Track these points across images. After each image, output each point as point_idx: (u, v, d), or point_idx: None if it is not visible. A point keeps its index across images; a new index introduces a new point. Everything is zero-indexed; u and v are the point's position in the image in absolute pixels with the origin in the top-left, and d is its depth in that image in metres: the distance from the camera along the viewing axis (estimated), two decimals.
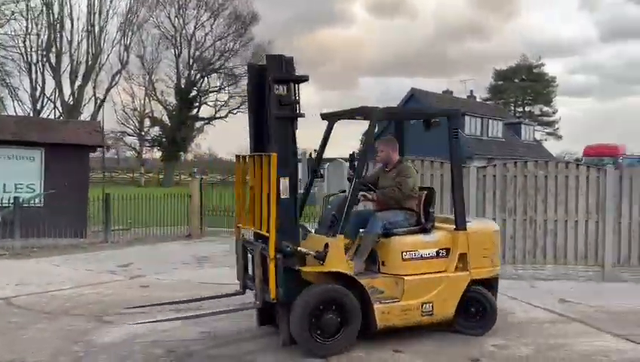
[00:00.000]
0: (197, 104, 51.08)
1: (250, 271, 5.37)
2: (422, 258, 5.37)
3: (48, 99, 34.84)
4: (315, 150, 5.30)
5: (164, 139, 49.72)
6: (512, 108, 57.27)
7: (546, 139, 54.91)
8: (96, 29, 36.86)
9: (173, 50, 49.72)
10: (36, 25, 33.09)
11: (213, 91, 51.57)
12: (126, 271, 9.02)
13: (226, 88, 51.54)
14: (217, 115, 51.74)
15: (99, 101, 37.50)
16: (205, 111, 52.25)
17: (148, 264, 9.65)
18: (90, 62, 36.33)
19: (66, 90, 35.40)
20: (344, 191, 5.73)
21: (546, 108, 58.71)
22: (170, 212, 13.68)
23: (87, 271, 9.04)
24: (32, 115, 32.25)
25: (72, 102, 35.58)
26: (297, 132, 5.05)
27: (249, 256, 5.37)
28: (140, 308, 5.95)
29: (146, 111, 50.49)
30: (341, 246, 5.06)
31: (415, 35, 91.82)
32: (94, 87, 37.75)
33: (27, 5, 31.59)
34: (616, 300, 7.23)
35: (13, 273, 8.71)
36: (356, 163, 5.39)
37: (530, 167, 8.73)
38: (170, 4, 47.19)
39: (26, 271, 8.98)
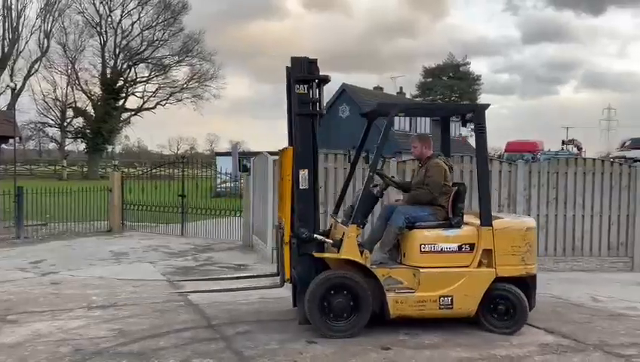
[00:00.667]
0: (123, 95, 49.42)
1: None
2: (441, 251, 5.42)
3: None
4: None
5: (87, 131, 47.82)
6: None
7: (471, 135, 56.89)
8: (13, 13, 35.01)
9: (98, 39, 47.91)
10: None
11: (141, 82, 50.12)
12: (37, 268, 8.62)
13: (155, 79, 50.20)
14: (145, 107, 50.32)
15: (16, 90, 35.66)
16: (132, 102, 50.67)
17: (62, 260, 9.25)
18: (7, 49, 34.42)
19: None
20: (376, 186, 5.80)
21: None
22: (90, 206, 13.16)
23: None
24: None
25: None
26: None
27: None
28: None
29: (69, 101, 48.41)
30: (354, 235, 5.35)
31: (349, 31, 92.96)
32: (11, 75, 35.83)
33: None
34: None
35: None
36: (371, 156, 5.61)
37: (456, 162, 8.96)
38: None
39: None
